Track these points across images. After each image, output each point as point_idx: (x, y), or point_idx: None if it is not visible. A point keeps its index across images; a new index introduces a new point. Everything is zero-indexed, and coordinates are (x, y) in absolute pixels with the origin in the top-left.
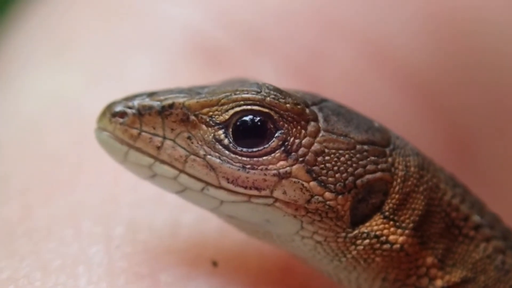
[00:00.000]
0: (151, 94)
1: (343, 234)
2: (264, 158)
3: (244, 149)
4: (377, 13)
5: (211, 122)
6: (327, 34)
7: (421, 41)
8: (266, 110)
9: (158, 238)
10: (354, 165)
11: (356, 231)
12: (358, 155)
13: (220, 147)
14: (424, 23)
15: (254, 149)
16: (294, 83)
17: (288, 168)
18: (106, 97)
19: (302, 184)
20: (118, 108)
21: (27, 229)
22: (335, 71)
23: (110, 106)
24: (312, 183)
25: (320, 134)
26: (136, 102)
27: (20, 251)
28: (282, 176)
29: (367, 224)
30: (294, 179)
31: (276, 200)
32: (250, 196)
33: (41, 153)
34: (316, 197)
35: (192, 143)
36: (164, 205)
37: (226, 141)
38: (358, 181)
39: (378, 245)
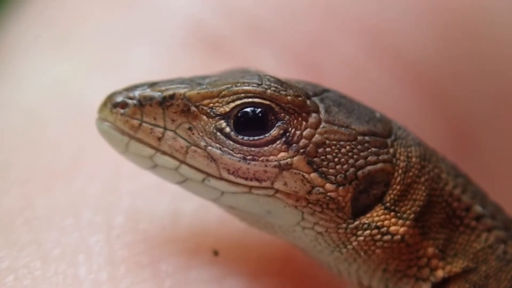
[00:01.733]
0: (152, 85)
1: (344, 225)
2: (265, 148)
3: (245, 137)
4: (377, 2)
5: (211, 113)
6: (327, 23)
7: (421, 30)
8: (267, 103)
9: (159, 227)
10: (355, 156)
11: (357, 222)
12: (359, 146)
13: (221, 137)
14: (424, 11)
15: (256, 138)
16: (294, 72)
17: (289, 159)
18: (106, 86)
19: (303, 176)
20: (119, 99)
21: (27, 219)
22: (335, 60)
23: (111, 97)
24: (313, 175)
25: (321, 126)
26: (137, 93)
27: (20, 241)
28: (283, 168)
29: (368, 215)
30: (295, 171)
31: (277, 191)
32: (251, 187)
33: (42, 143)
34: (316, 188)
35: (193, 134)
36: (164, 195)
37: (227, 130)
38: (359, 172)
39: (379, 236)
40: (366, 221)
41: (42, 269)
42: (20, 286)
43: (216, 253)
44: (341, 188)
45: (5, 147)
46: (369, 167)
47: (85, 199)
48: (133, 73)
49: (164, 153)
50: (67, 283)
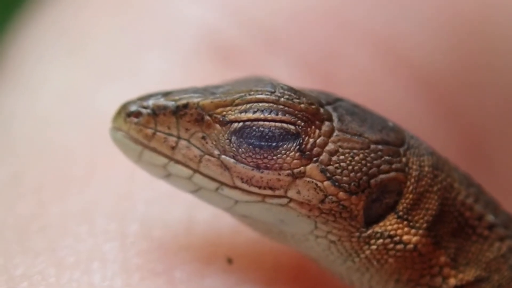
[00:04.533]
0: (165, 94)
1: (357, 234)
2: (278, 156)
3: (258, 145)
4: (391, 13)
5: (225, 122)
6: (341, 33)
7: (435, 42)
8: (279, 118)
9: (173, 235)
10: (368, 164)
11: (370, 231)
12: (372, 155)
13: (235, 145)
14: (438, 24)
15: (269, 144)
16: (307, 81)
17: (302, 167)
18: (120, 95)
19: (316, 184)
20: (133, 108)
21: (41, 226)
22: (349, 70)
23: (125, 106)
24: (326, 183)
25: (335, 134)
26: (150, 102)
27: (35, 248)
28: (296, 176)
29: (381, 224)
30: (308, 179)
31: (290, 200)
32: (264, 196)
33: (55, 150)
34: (330, 197)
35: (206, 143)
36: (179, 202)
37: (240, 138)
38: (372, 181)
39: (391, 245)
40: (379, 230)
41: (56, 276)
42: None
43: (230, 261)
44: (354, 196)
45: (19, 155)
46: (382, 176)
47: (99, 206)
48: (146, 81)
49: (177, 162)
50: None
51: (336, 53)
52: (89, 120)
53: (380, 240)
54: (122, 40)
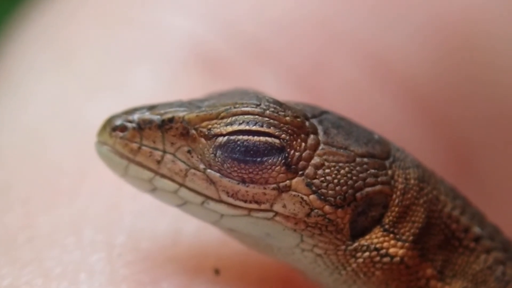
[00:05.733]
0: (151, 108)
1: (343, 247)
2: (264, 170)
3: (244, 159)
4: (380, 26)
5: (210, 135)
6: (330, 45)
7: (423, 54)
8: (265, 130)
9: (160, 247)
10: (354, 178)
11: (356, 244)
12: (358, 168)
13: (220, 159)
14: (426, 37)
15: (254, 159)
16: (295, 94)
17: (287, 181)
18: (108, 106)
19: (302, 198)
20: (118, 122)
21: (28, 237)
22: (337, 83)
23: (110, 120)
24: (312, 197)
25: (320, 147)
26: (136, 116)
27: (22, 258)
28: (281, 190)
29: (367, 237)
30: (293, 193)
31: (276, 214)
32: (250, 210)
33: (43, 161)
34: (315, 210)
35: (192, 157)
36: (166, 214)
37: (225, 152)
38: (358, 194)
39: (378, 258)
40: (365, 243)
41: (43, 287)
42: None
43: (217, 272)
44: (339, 210)
45: (7, 166)
46: (368, 189)
47: (86, 217)
48: (135, 93)
49: (163, 176)
50: None
51: (324, 65)
52: (77, 131)
53: (367, 253)
54: (110, 52)
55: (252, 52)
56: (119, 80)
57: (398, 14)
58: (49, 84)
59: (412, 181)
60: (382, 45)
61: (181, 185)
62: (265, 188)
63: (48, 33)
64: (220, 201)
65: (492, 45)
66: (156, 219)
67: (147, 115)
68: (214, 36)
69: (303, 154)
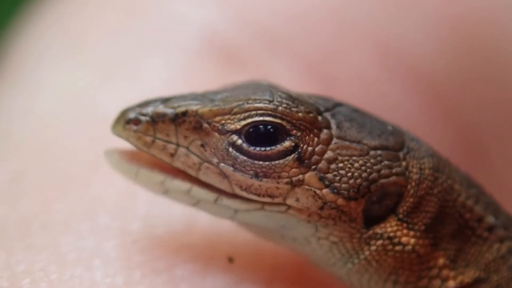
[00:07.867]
0: (164, 101)
1: (358, 235)
2: (277, 164)
3: (257, 149)
4: (390, 14)
5: (223, 130)
6: (341, 34)
7: (432, 41)
8: (278, 121)
9: (175, 234)
10: (368, 170)
11: (370, 232)
12: (372, 161)
13: (233, 153)
14: (436, 24)
15: (267, 148)
16: (307, 83)
17: (300, 175)
18: (121, 95)
19: (315, 192)
20: (132, 115)
21: (43, 223)
22: (348, 72)
23: (123, 113)
24: (325, 190)
25: (333, 142)
26: (149, 110)
27: (37, 245)
28: (294, 184)
29: (382, 225)
30: (306, 187)
31: (289, 207)
32: (264, 203)
33: (57, 149)
34: (328, 203)
35: (205, 150)
36: None
37: (238, 144)
38: (372, 186)
39: (390, 246)
40: (379, 231)
41: (58, 273)
42: None
43: (231, 260)
44: (353, 201)
45: (21, 154)
46: (382, 181)
47: (101, 204)
48: (148, 82)
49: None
50: (83, 286)
51: (336, 54)
52: (90, 120)
53: (380, 241)
54: (123, 41)
55: (264, 41)
56: (133, 69)
57: (406, 2)
58: (62, 73)
59: (426, 171)
60: (392, 34)
61: (195, 178)
62: (278, 183)
63: (61, 22)
64: (234, 195)
65: (501, 32)
66: (170, 206)
67: (161, 108)
68: (227, 25)
69: (316, 149)
